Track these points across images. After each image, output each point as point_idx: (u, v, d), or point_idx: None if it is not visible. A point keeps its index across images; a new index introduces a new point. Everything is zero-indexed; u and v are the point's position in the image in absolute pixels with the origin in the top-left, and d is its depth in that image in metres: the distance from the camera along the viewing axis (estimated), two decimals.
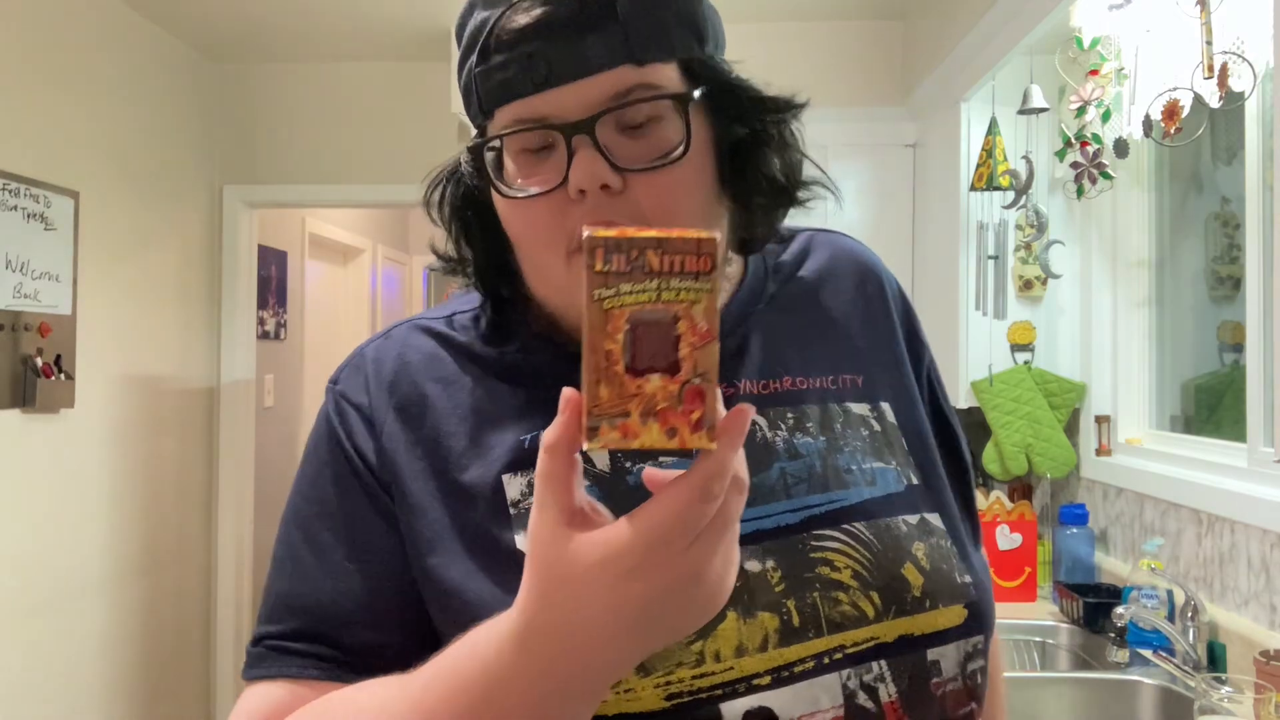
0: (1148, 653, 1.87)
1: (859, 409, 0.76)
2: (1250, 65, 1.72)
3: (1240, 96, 1.76)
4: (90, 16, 3.18)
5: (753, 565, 0.67)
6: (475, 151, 0.69)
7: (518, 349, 0.74)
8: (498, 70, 0.64)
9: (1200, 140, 2.08)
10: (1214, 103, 1.79)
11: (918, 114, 3.23)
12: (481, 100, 0.66)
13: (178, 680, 3.70)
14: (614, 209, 0.64)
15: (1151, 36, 2.03)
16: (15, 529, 2.84)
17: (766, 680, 0.65)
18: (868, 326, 0.80)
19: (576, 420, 0.49)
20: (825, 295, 0.80)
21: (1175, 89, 1.87)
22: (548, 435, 0.50)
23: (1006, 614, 2.33)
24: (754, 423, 0.71)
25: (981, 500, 2.61)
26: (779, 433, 0.72)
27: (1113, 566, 2.38)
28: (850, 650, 0.67)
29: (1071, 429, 2.66)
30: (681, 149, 0.65)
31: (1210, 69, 1.76)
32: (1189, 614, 1.90)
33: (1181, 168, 2.38)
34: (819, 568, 0.68)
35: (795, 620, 0.66)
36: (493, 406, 0.72)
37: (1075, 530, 2.44)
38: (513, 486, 0.69)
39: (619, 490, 0.69)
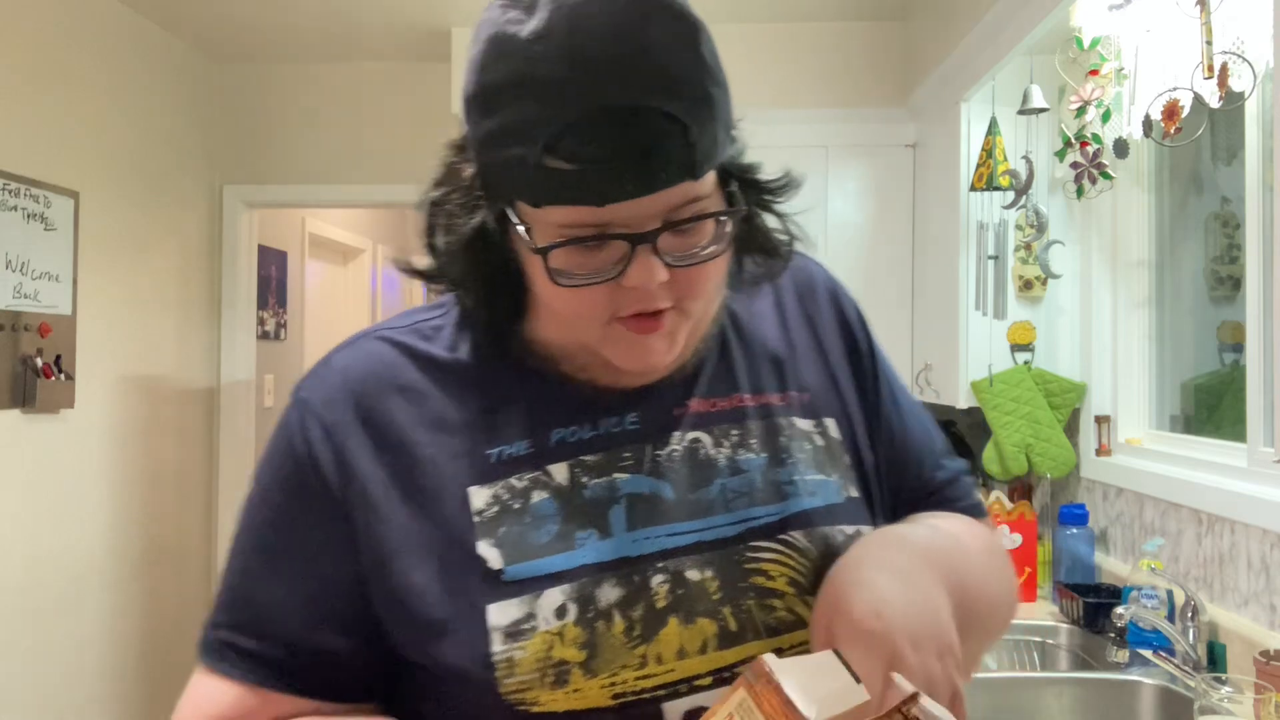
0: (1148, 653, 1.87)
1: (804, 424, 0.81)
2: (1250, 65, 1.72)
3: (1240, 96, 1.76)
4: (90, 17, 3.18)
5: (693, 574, 0.72)
6: (508, 232, 0.71)
7: (474, 358, 0.77)
8: (560, 175, 0.63)
9: (1200, 140, 2.08)
10: (1214, 103, 1.79)
11: (918, 114, 3.23)
12: (535, 192, 0.65)
13: (178, 680, 3.69)
14: (659, 292, 0.69)
15: (1151, 36, 2.03)
16: (15, 529, 2.84)
17: (708, 681, 0.71)
18: (813, 345, 0.85)
19: None
20: (777, 317, 0.85)
21: (1175, 89, 1.87)
22: None
23: None
24: (698, 439, 0.77)
25: (982, 500, 2.60)
26: (721, 449, 0.77)
27: (1113, 566, 2.38)
28: (788, 653, 0.71)
29: (1071, 429, 2.66)
30: (723, 247, 0.69)
31: (1210, 69, 1.76)
32: (1189, 614, 1.90)
33: (1181, 168, 2.38)
34: (753, 577, 0.73)
35: (732, 625, 0.72)
36: (456, 415, 0.75)
37: (1075, 530, 2.44)
38: (478, 497, 0.72)
39: (575, 504, 0.73)
